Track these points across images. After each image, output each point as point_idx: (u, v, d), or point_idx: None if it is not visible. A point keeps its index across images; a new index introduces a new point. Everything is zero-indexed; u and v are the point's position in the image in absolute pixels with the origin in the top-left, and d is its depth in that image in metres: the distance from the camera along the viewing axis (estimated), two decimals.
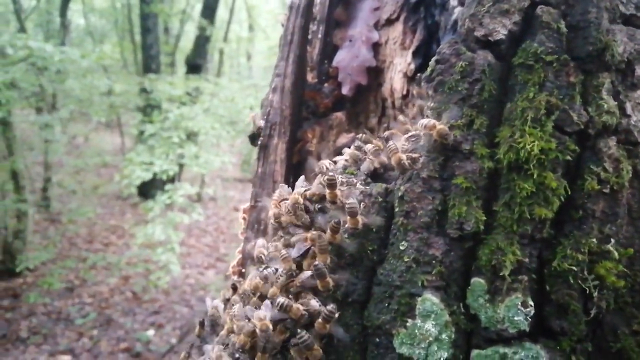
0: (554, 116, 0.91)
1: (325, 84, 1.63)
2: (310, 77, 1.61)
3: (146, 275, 10.24)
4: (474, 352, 0.92)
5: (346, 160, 1.14)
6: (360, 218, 0.99)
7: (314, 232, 1.01)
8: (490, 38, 0.96)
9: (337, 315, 0.96)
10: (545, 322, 0.92)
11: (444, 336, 0.92)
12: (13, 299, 8.82)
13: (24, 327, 8.03)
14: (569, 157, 0.91)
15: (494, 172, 0.95)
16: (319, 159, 1.59)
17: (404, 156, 0.99)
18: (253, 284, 1.08)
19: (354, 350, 0.98)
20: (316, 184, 1.09)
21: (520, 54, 0.95)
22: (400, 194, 0.99)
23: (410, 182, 0.98)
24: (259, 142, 1.50)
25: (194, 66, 11.78)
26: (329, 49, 1.63)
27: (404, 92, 1.54)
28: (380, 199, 1.02)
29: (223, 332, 1.15)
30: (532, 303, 0.90)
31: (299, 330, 0.95)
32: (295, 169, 1.54)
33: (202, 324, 1.36)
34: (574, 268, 0.90)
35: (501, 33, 0.95)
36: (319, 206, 1.06)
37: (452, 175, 0.96)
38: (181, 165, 9.36)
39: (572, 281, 0.90)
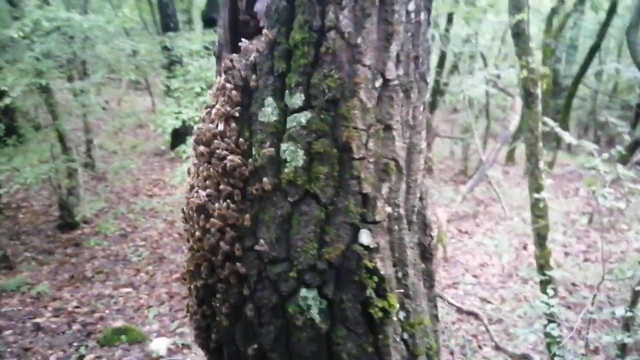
0: (309, 24, 2.07)
1: (251, 21, 2.81)
2: (242, 18, 2.80)
3: None
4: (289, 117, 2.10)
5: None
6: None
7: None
8: None
9: None
10: None
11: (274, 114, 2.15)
12: (75, 247, 10.24)
13: (88, 268, 9.34)
14: (313, 40, 2.06)
15: (289, 48, 2.12)
16: None
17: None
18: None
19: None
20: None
21: None
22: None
23: (263, 57, 2.18)
24: (216, 56, 2.74)
25: (210, 20, 12.65)
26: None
27: None
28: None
29: None
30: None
31: None
32: None
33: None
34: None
35: None
36: None
37: (274, 56, 2.15)
38: None
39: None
